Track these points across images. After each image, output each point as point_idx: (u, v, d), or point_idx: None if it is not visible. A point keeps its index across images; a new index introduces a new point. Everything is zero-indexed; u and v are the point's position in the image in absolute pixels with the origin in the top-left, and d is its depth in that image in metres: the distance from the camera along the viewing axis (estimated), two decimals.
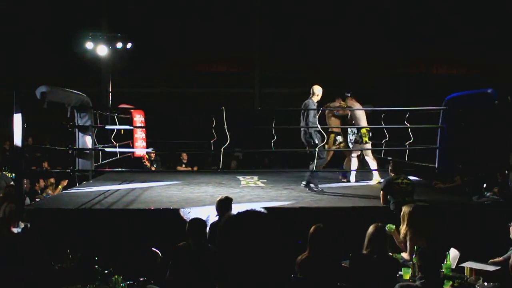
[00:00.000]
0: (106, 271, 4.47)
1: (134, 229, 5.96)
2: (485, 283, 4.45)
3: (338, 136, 8.95)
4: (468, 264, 4.85)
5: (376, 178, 8.69)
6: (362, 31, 16.73)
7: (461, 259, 5.05)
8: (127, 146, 10.43)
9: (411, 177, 6.71)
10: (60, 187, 9.47)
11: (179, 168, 11.93)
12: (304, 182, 7.66)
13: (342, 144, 8.94)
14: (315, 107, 7.59)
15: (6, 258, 4.78)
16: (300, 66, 17.29)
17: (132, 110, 11.09)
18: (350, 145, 8.79)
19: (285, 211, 6.42)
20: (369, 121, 8.85)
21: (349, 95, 8.76)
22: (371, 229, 4.43)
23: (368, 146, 8.64)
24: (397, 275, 4.50)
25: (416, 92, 16.11)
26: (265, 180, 9.10)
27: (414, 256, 4.60)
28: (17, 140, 6.59)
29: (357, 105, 8.66)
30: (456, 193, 8.42)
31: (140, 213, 6.36)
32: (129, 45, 15.21)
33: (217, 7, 17.25)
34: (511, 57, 15.61)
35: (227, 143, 7.73)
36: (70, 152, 8.82)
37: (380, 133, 9.10)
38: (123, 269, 4.52)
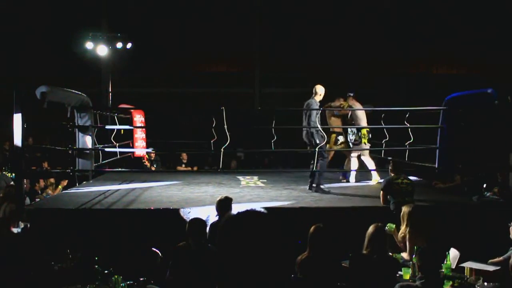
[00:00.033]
0: (106, 271, 4.47)
1: (134, 229, 5.96)
2: (485, 283, 4.45)
3: (340, 136, 8.95)
4: (468, 264, 4.85)
5: (375, 178, 8.70)
6: (362, 31, 16.73)
7: (461, 259, 5.05)
8: (127, 146, 10.43)
9: (411, 177, 6.71)
10: (60, 187, 9.47)
11: (179, 168, 11.93)
12: (314, 185, 7.66)
13: (343, 145, 8.94)
14: (317, 106, 7.61)
15: (6, 258, 4.78)
16: (300, 66, 17.30)
17: (132, 110, 11.09)
18: (350, 145, 8.80)
19: (285, 211, 6.42)
20: (369, 121, 8.85)
21: (352, 95, 8.77)
22: (371, 229, 4.43)
23: (366, 147, 8.65)
24: (397, 275, 4.50)
25: (416, 92, 16.11)
26: (265, 180, 9.10)
27: (414, 256, 4.60)
28: (17, 140, 6.59)
29: (358, 105, 8.66)
30: (456, 193, 8.42)
31: (140, 213, 6.36)
32: (129, 45, 15.21)
33: (217, 7, 17.25)
34: (511, 57, 15.61)
35: (227, 143, 7.73)
36: (70, 152, 8.83)
37: (380, 133, 9.10)
38: (123, 269, 4.52)
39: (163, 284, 4.55)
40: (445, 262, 4.78)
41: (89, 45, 14.89)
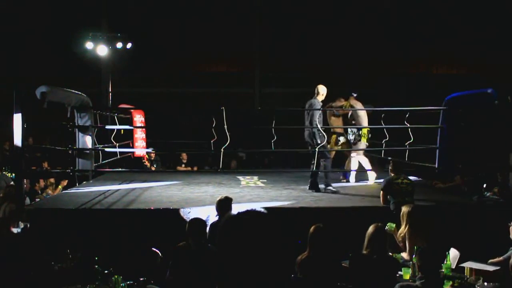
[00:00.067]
0: (106, 271, 4.47)
1: (134, 229, 5.96)
2: (485, 283, 4.45)
3: (341, 137, 8.96)
4: (468, 264, 4.85)
5: (372, 178, 8.72)
6: (362, 31, 16.73)
7: (461, 259, 5.05)
8: (127, 146, 10.42)
9: (411, 177, 6.71)
10: (60, 187, 9.47)
11: (179, 168, 11.93)
12: (323, 186, 7.67)
13: (343, 145, 8.95)
14: (320, 106, 7.63)
15: (6, 258, 4.78)
16: (300, 66, 17.30)
17: (132, 110, 11.09)
18: (351, 145, 8.81)
19: (285, 211, 6.42)
20: (369, 121, 8.86)
21: (355, 95, 8.78)
22: (371, 229, 4.43)
23: (363, 145, 8.67)
24: (397, 275, 4.50)
25: (416, 92, 16.11)
26: (265, 180, 9.10)
27: (414, 256, 4.60)
28: (17, 140, 6.59)
29: (359, 106, 8.67)
30: (456, 193, 8.42)
31: (140, 213, 6.35)
32: (129, 45, 15.22)
33: (217, 7, 17.25)
34: (511, 57, 15.61)
35: (227, 143, 7.73)
36: (70, 152, 8.82)
37: (380, 133, 9.10)
38: (123, 269, 4.52)
39: (163, 284, 4.55)
40: (445, 262, 4.78)
41: (89, 45, 14.90)
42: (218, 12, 17.25)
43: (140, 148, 10.97)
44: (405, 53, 17.39)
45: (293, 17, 17.17)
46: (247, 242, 1.43)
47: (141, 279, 4.37)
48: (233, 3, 17.18)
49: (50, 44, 16.35)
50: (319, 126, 7.55)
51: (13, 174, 8.67)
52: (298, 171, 10.20)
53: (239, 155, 13.38)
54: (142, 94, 16.53)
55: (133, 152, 10.91)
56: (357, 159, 8.84)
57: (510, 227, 5.24)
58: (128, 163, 10.82)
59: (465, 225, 6.26)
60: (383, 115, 9.38)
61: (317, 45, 17.00)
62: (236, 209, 2.43)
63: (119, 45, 15.07)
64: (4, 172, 9.58)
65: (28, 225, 5.98)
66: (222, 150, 7.73)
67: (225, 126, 7.65)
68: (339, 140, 8.94)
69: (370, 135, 8.83)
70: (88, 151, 8.35)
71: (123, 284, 4.31)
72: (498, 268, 4.86)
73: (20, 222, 6.03)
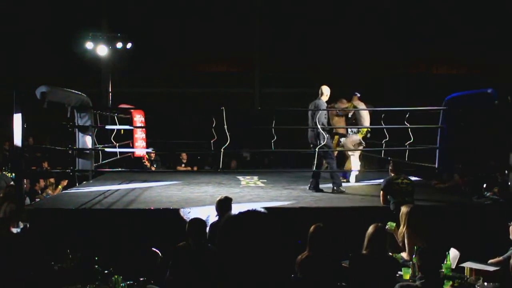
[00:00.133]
0: (106, 271, 4.47)
1: (134, 229, 5.96)
2: (485, 283, 4.45)
3: (342, 138, 8.99)
4: (468, 264, 4.85)
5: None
6: (362, 31, 16.73)
7: (461, 259, 5.05)
8: (127, 146, 10.42)
9: (411, 177, 6.71)
10: (60, 187, 9.47)
11: (179, 168, 11.94)
12: (335, 188, 7.68)
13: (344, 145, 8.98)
14: (325, 107, 7.65)
15: (6, 258, 4.78)
16: (300, 66, 17.30)
17: (132, 110, 11.09)
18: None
19: (285, 211, 6.42)
20: (370, 121, 8.87)
21: (358, 95, 8.80)
22: (371, 229, 4.43)
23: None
24: (397, 275, 4.50)
25: (416, 92, 16.12)
26: (265, 180, 9.10)
27: (414, 256, 4.60)
28: (17, 140, 6.59)
29: (362, 106, 8.69)
30: (456, 193, 8.42)
31: (140, 213, 6.36)
32: (129, 45, 15.23)
33: (217, 7, 17.25)
34: (511, 57, 15.61)
35: (227, 143, 7.74)
36: (70, 152, 8.83)
37: (380, 133, 9.10)
38: (123, 269, 4.52)
39: (163, 284, 4.55)
40: (445, 262, 4.78)
41: (89, 45, 14.90)
42: (218, 12, 17.25)
43: (140, 148, 10.97)
44: (405, 53, 17.38)
45: (293, 17, 17.16)
46: (247, 242, 1.43)
47: (141, 279, 4.37)
48: (233, 3, 17.18)
49: (50, 44, 16.35)
50: (320, 127, 7.57)
51: (13, 174, 8.67)
52: (298, 171, 10.20)
53: (243, 155, 13.39)
54: (142, 94, 16.53)
55: (133, 152, 10.91)
56: (352, 158, 8.87)
57: (510, 227, 5.24)
58: (128, 163, 10.82)
59: (465, 225, 6.26)
60: (383, 115, 9.39)
61: (317, 45, 17.00)
62: (236, 209, 2.43)
63: (119, 45, 15.07)
64: (4, 172, 9.58)
65: (28, 225, 5.98)
66: (222, 150, 7.74)
67: (225, 126, 7.66)
68: (341, 141, 8.97)
69: (369, 135, 8.84)
70: (88, 151, 8.35)
71: (123, 284, 4.31)
72: (498, 268, 4.86)
73: (20, 222, 6.03)
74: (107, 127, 9.73)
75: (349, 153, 8.92)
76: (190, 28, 17.30)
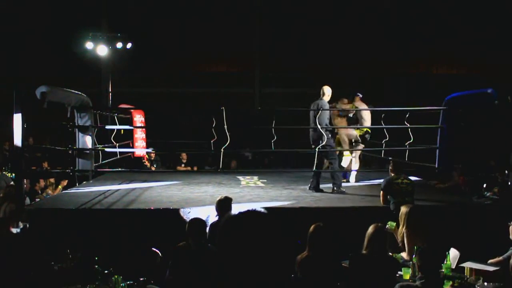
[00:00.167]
0: (106, 271, 4.47)
1: (134, 229, 5.96)
2: (485, 283, 4.45)
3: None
4: (468, 264, 4.85)
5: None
6: (362, 31, 16.73)
7: (461, 259, 5.05)
8: (127, 146, 10.43)
9: (411, 177, 6.71)
10: (60, 187, 9.47)
11: (179, 168, 11.94)
12: (335, 188, 7.68)
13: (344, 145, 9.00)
14: (328, 107, 7.66)
15: (6, 258, 4.78)
16: (300, 66, 17.30)
17: (132, 110, 11.09)
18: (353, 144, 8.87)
19: (285, 211, 6.42)
20: (370, 122, 8.88)
21: (360, 95, 8.81)
22: (370, 229, 4.43)
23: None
24: (397, 275, 4.50)
25: (416, 92, 16.12)
26: (265, 180, 9.10)
27: (414, 256, 4.60)
28: (17, 140, 6.59)
29: (364, 106, 8.70)
30: (456, 193, 8.42)
31: (140, 213, 6.36)
32: (129, 45, 15.22)
33: (217, 7, 17.25)
34: (511, 57, 15.61)
35: (227, 143, 7.74)
36: (70, 152, 8.83)
37: (380, 133, 9.11)
38: (123, 269, 4.52)
39: (163, 284, 4.55)
40: (445, 262, 4.78)
41: (89, 45, 14.90)
42: (218, 12, 17.25)
43: (140, 148, 10.97)
44: (405, 53, 17.38)
45: (293, 17, 17.16)
46: (247, 242, 1.43)
47: (141, 279, 4.37)
48: (233, 3, 17.18)
49: (50, 44, 16.35)
50: (327, 127, 7.59)
51: (13, 174, 8.67)
52: (298, 171, 10.20)
53: (245, 155, 13.39)
54: (142, 94, 16.53)
55: (133, 152, 10.91)
56: (355, 157, 8.88)
57: (510, 227, 5.24)
58: (128, 163, 10.82)
59: (465, 225, 6.26)
60: (383, 115, 9.39)
61: (317, 45, 17.00)
62: (236, 209, 2.43)
63: (119, 45, 15.07)
64: (4, 172, 9.58)
65: (28, 225, 5.98)
66: (222, 150, 7.74)
67: (225, 126, 7.66)
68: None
69: (368, 136, 8.84)
70: (88, 151, 8.35)
71: (123, 284, 4.31)
72: (498, 268, 4.87)
73: (20, 222, 6.03)
74: (107, 127, 9.73)
75: (353, 154, 8.92)
76: (190, 28, 17.30)
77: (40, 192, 9.48)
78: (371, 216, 5.72)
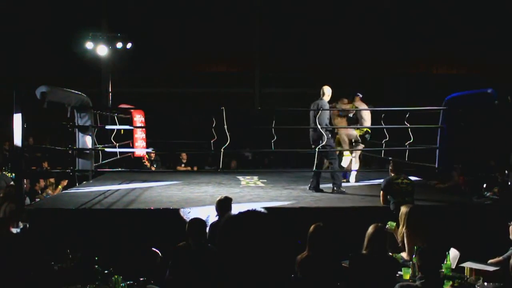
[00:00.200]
0: (106, 271, 4.47)
1: (134, 229, 5.96)
2: (485, 283, 4.45)
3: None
4: (468, 264, 4.85)
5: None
6: (362, 31, 16.73)
7: (461, 259, 5.05)
8: (127, 146, 10.43)
9: (411, 177, 6.71)
10: (60, 187, 9.47)
11: (179, 168, 11.94)
12: (335, 188, 7.68)
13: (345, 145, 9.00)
14: (328, 107, 7.66)
15: (6, 258, 4.78)
16: (300, 66, 17.30)
17: (132, 110, 11.09)
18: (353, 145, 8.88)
19: (285, 211, 6.43)
20: (370, 122, 8.88)
21: (360, 96, 8.82)
22: (370, 229, 4.43)
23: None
24: (397, 275, 4.50)
25: (416, 92, 16.12)
26: (265, 180, 9.10)
27: (414, 256, 4.60)
28: (17, 140, 6.59)
29: (363, 106, 8.70)
30: (456, 193, 8.42)
31: (140, 213, 6.36)
32: (129, 45, 15.23)
33: (217, 7, 17.25)
34: (511, 57, 15.61)
35: (227, 143, 7.74)
36: (70, 152, 8.82)
37: (380, 133, 9.11)
38: (123, 269, 4.52)
39: (163, 284, 4.55)
40: (445, 262, 4.78)
41: (89, 45, 14.90)
42: (218, 12, 17.24)
43: (140, 148, 10.97)
44: (405, 53, 17.38)
45: (293, 17, 17.16)
46: (247, 242, 1.43)
47: (141, 279, 4.37)
48: (233, 3, 17.18)
49: (50, 44, 16.34)
50: (327, 127, 7.60)
51: (13, 174, 8.67)
52: (298, 171, 10.20)
53: (245, 154, 13.39)
54: (142, 94, 16.53)
55: (133, 152, 10.91)
56: (355, 157, 8.89)
57: (510, 227, 5.24)
58: (128, 163, 10.82)
59: (465, 225, 6.26)
60: (383, 115, 9.39)
61: (317, 45, 17.00)
62: (236, 209, 2.43)
63: (119, 45, 15.07)
64: (4, 172, 9.58)
65: (28, 225, 5.98)
66: (222, 150, 7.74)
67: (225, 126, 7.66)
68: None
69: (368, 136, 8.85)
70: (88, 151, 8.35)
71: (123, 284, 4.31)
72: (498, 268, 4.87)
73: (20, 222, 6.03)
74: (107, 127, 9.73)
75: (353, 154, 8.93)
76: (190, 28, 17.30)
77: (40, 192, 9.48)
78: (371, 216, 5.72)
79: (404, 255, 5.11)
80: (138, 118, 11.14)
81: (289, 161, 12.81)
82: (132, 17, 17.15)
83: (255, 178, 9.39)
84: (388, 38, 16.96)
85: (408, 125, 8.41)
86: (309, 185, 7.89)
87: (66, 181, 9.48)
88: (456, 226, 6.16)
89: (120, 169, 9.66)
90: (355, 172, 8.98)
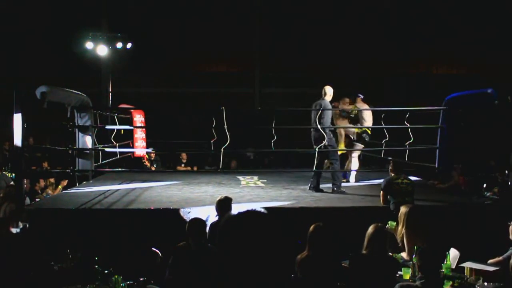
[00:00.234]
0: (106, 271, 4.47)
1: (134, 229, 5.96)
2: (485, 283, 4.45)
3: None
4: (468, 264, 4.85)
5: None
6: (362, 31, 16.73)
7: (461, 259, 5.05)
8: (127, 146, 10.43)
9: (411, 177, 6.71)
10: (60, 187, 9.47)
11: (179, 168, 11.94)
12: (335, 188, 7.69)
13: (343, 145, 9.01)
14: (330, 107, 7.67)
15: (6, 258, 4.78)
16: (300, 66, 17.30)
17: (132, 110, 11.09)
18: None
19: (285, 211, 6.43)
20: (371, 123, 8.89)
21: (362, 96, 8.82)
22: (370, 229, 4.43)
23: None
24: (397, 275, 4.50)
25: (416, 92, 16.12)
26: (265, 180, 9.10)
27: (414, 256, 4.60)
28: (17, 140, 6.59)
29: (365, 107, 8.71)
30: (456, 193, 8.42)
31: (140, 213, 6.36)
32: (129, 45, 15.23)
33: (217, 7, 17.25)
34: (511, 57, 15.61)
35: (227, 143, 7.74)
36: (70, 152, 8.82)
37: (380, 133, 9.11)
38: (123, 269, 4.52)
39: (163, 284, 4.55)
40: (445, 262, 4.78)
41: (89, 45, 14.90)
42: (218, 12, 17.24)
43: (140, 148, 10.97)
44: (405, 53, 17.38)
45: (293, 17, 17.16)
46: (247, 242, 1.43)
47: (141, 279, 4.37)
48: (233, 3, 17.18)
49: (50, 44, 16.34)
50: (319, 127, 7.58)
51: (13, 174, 8.68)
52: (298, 171, 10.20)
53: (247, 154, 13.39)
54: (142, 94, 16.53)
55: (133, 152, 10.91)
56: (355, 157, 8.90)
57: (510, 227, 5.24)
58: (128, 163, 10.82)
59: (465, 225, 6.26)
60: (383, 115, 9.39)
61: (317, 45, 16.99)
62: (236, 209, 2.43)
63: (119, 45, 15.07)
64: (4, 172, 9.58)
65: (28, 225, 5.98)
66: (222, 150, 7.74)
67: (225, 126, 7.66)
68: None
69: (366, 136, 8.85)
70: (88, 151, 8.35)
71: (123, 284, 4.31)
72: (498, 268, 4.87)
73: (20, 222, 6.03)
74: (107, 127, 9.73)
75: (353, 154, 8.93)
76: (190, 28, 17.29)
77: (40, 192, 9.49)
78: (371, 216, 5.72)
79: (404, 255, 5.10)
80: (138, 118, 11.14)
81: (289, 161, 12.81)
82: (132, 17, 17.15)
83: (255, 178, 9.39)
84: (388, 38, 16.96)
85: (408, 125, 8.41)
86: (309, 185, 7.89)
87: (66, 181, 9.48)
88: (456, 226, 6.16)
89: (120, 169, 9.66)
90: (355, 172, 8.98)
